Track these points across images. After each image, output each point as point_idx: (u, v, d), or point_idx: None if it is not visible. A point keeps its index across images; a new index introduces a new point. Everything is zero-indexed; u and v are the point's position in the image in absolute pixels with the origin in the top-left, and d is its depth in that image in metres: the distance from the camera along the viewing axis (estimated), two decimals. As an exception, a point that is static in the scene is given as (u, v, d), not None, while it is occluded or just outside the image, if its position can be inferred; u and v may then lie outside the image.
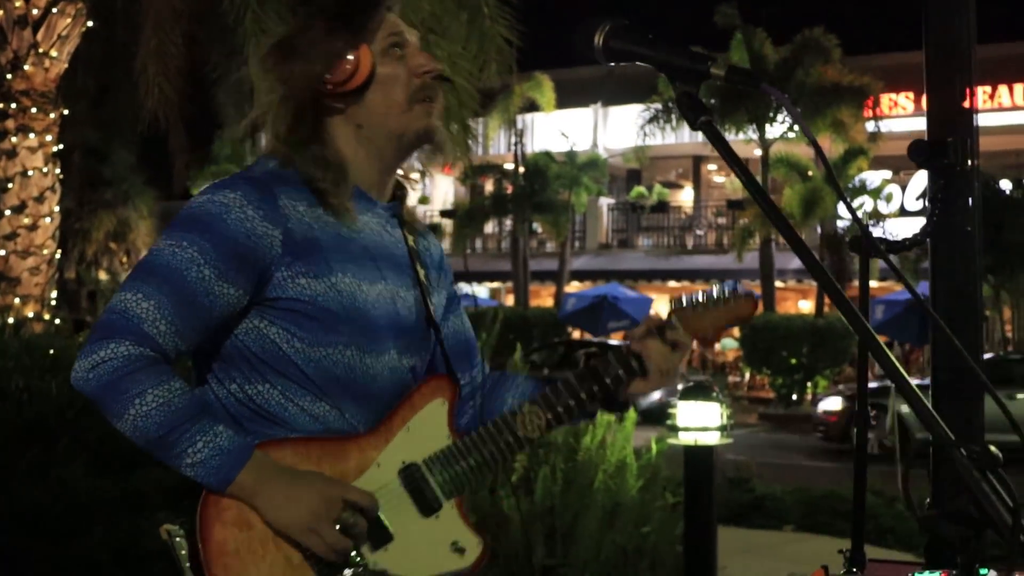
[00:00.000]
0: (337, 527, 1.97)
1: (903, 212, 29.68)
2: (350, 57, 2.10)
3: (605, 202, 37.46)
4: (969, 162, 3.44)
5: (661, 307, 35.69)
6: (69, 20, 8.96)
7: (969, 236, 3.41)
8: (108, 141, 17.33)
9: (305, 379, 2.07)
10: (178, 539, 2.01)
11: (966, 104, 3.55)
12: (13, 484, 4.34)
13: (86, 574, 4.20)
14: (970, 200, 3.44)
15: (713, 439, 5.97)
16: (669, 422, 5.85)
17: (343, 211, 2.10)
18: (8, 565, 4.06)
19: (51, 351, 5.59)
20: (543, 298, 36.92)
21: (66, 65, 9.11)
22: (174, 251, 1.99)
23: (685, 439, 5.65)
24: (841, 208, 29.24)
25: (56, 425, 4.63)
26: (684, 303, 2.21)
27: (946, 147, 3.39)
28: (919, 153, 3.49)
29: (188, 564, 1.99)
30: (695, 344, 2.21)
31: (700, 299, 2.20)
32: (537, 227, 34.40)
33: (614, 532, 6.54)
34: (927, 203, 3.45)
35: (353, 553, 2.01)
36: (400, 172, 2.27)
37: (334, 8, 2.17)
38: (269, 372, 2.07)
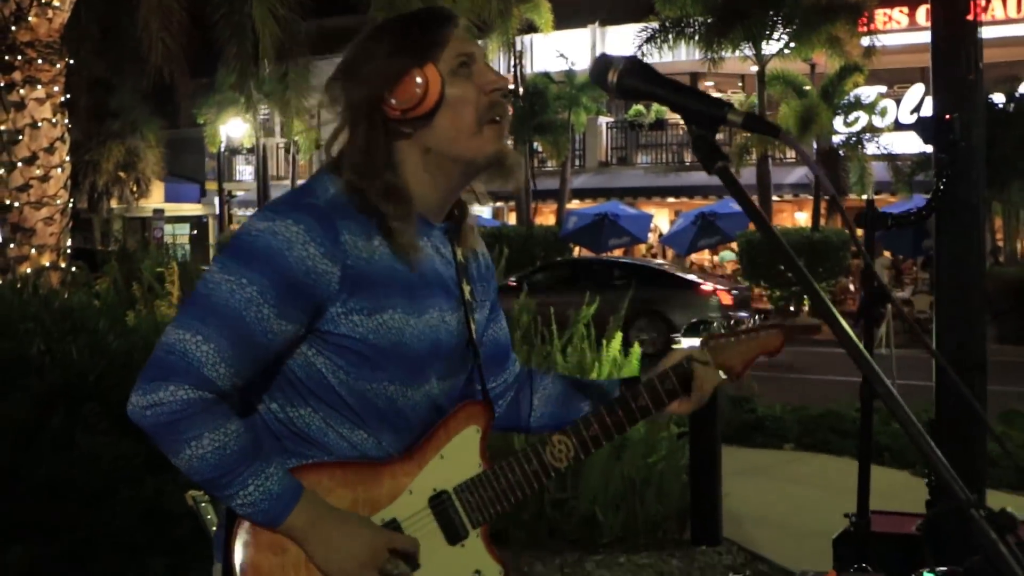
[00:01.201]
0: (379, 573, 1.98)
1: (898, 126, 29.48)
2: (419, 80, 2.01)
3: (604, 121, 37.24)
4: (973, 75, 3.49)
5: (661, 222, 35.82)
6: (71, -32, 8.87)
7: (974, 209, 3.46)
8: (115, 73, 17.21)
9: (347, 408, 2.05)
10: (203, 504, 2.04)
11: (970, 17, 3.58)
12: (41, 451, 4.35)
13: (114, 535, 4.22)
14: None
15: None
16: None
17: (411, 250, 2.04)
18: (39, 531, 4.07)
19: (71, 311, 5.58)
20: (545, 215, 36.89)
21: (69, 14, 8.98)
22: (232, 290, 1.94)
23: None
24: (837, 123, 29.21)
25: (79, 390, 4.63)
26: (715, 337, 2.21)
27: (952, 124, 3.41)
28: (926, 130, 3.51)
29: (214, 528, 2.02)
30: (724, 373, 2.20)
31: (732, 330, 2.21)
32: (538, 147, 34.31)
33: (622, 464, 6.59)
34: (933, 177, 3.49)
35: None
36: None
37: (400, 29, 2.09)
38: (312, 398, 2.05)
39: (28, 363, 4.76)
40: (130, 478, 4.36)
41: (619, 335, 7.46)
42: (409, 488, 2.07)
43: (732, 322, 2.22)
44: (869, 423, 3.29)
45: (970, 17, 3.45)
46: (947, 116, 3.35)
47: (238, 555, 1.98)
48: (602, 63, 1.80)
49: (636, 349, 7.49)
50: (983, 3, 29.99)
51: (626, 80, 1.78)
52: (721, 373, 2.18)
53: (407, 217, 2.03)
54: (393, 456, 2.08)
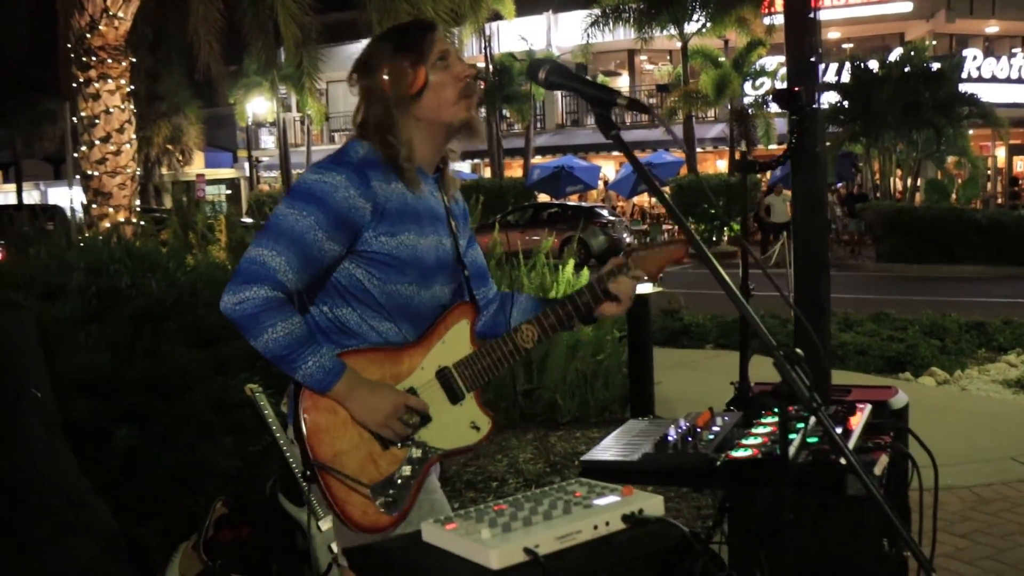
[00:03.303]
0: (400, 421, 2.21)
1: (794, 89, 29.55)
2: (410, 72, 2.25)
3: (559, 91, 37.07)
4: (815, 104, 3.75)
5: (608, 171, 35.84)
6: (130, -14, 8.91)
7: (817, 156, 3.73)
8: (164, 65, 17.21)
9: (378, 306, 2.27)
10: (258, 394, 2.10)
11: (812, 59, 3.84)
12: (134, 359, 4.43)
13: (193, 421, 4.32)
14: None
15: (647, 289, 6.28)
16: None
17: (414, 181, 2.27)
18: (137, 420, 4.20)
19: (147, 254, 5.62)
20: (513, 169, 36.81)
21: (131, 23, 9.06)
22: (297, 219, 2.15)
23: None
24: (747, 87, 29.27)
25: (159, 313, 4.67)
26: (635, 249, 2.39)
27: (799, 93, 3.69)
28: (780, 99, 3.78)
29: (266, 411, 2.10)
30: (643, 275, 2.36)
31: (645, 244, 2.39)
32: (506, 113, 34.20)
33: (576, 361, 6.77)
34: (788, 134, 3.75)
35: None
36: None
37: (397, 35, 2.32)
38: (353, 300, 2.27)
39: (120, 293, 4.83)
40: (203, 378, 4.44)
41: (572, 261, 7.62)
42: (421, 365, 2.29)
43: (648, 239, 2.41)
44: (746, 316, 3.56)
45: (811, 15, 3.69)
46: (795, 88, 3.62)
47: (305, 415, 2.19)
48: (536, 65, 2.10)
49: (585, 271, 7.70)
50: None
51: (552, 77, 2.09)
52: (637, 276, 2.33)
53: (411, 160, 2.27)
54: (409, 342, 2.30)
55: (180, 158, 35.81)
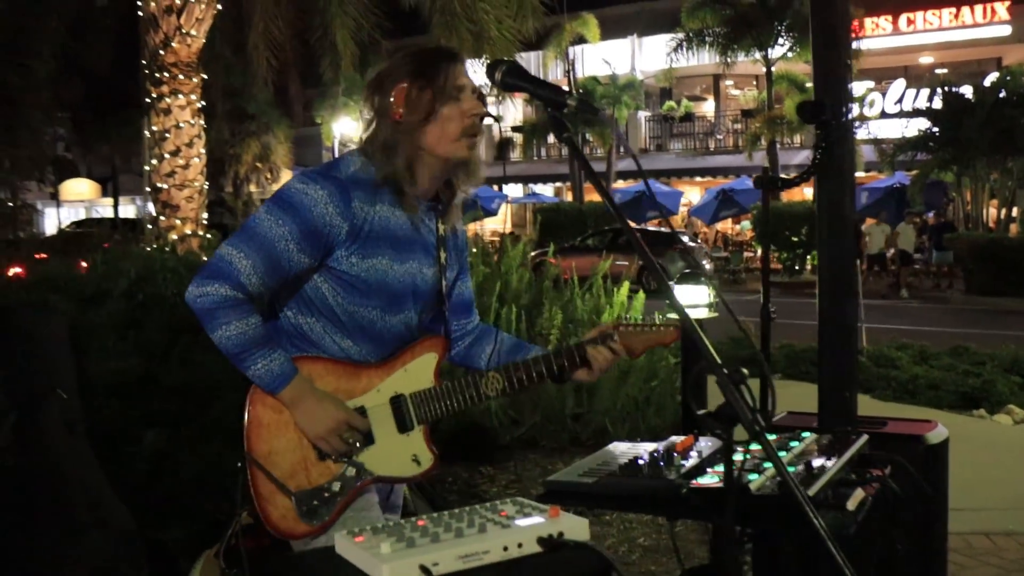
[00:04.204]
0: (339, 438, 2.23)
1: (883, 115, 28.94)
2: (417, 98, 2.22)
3: (642, 115, 36.90)
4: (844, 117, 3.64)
5: (693, 196, 35.54)
6: (204, 5, 9.11)
7: (841, 172, 3.61)
8: (248, 85, 17.66)
9: (340, 323, 2.28)
10: None
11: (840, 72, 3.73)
12: (171, 364, 4.53)
13: (221, 430, 4.31)
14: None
15: (703, 314, 6.19)
16: (668, 301, 6.01)
17: (413, 207, 2.27)
18: (168, 422, 4.32)
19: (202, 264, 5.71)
20: (595, 194, 36.67)
21: (203, 41, 9.28)
22: (271, 226, 2.18)
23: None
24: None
25: (197, 322, 4.80)
26: (625, 324, 2.36)
27: (823, 106, 3.58)
28: (804, 111, 3.67)
29: None
30: (624, 352, 2.34)
31: (637, 323, 2.36)
32: (589, 137, 34.22)
33: (628, 386, 6.67)
34: (812, 149, 3.66)
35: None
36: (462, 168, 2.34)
37: (416, 59, 2.28)
38: (316, 312, 2.28)
39: (165, 301, 4.97)
40: (234, 387, 4.44)
41: (627, 285, 7.56)
42: (378, 387, 2.29)
43: (640, 319, 2.36)
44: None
45: (840, 25, 3.59)
46: (821, 102, 3.54)
47: (250, 407, 2.26)
48: (493, 66, 2.09)
49: (640, 295, 7.64)
50: (953, 12, 29.36)
51: (507, 78, 2.08)
52: (617, 352, 2.33)
53: (412, 189, 2.27)
54: (371, 362, 2.30)
55: (268, 176, 36.58)
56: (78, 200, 41.48)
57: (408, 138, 2.25)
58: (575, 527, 1.77)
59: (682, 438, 2.44)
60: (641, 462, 2.17)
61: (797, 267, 25.93)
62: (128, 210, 38.62)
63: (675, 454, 2.27)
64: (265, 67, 9.69)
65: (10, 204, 38.97)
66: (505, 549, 1.71)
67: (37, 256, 10.36)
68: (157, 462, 4.26)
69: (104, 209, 38.77)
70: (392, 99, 2.24)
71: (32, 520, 3.54)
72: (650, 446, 2.44)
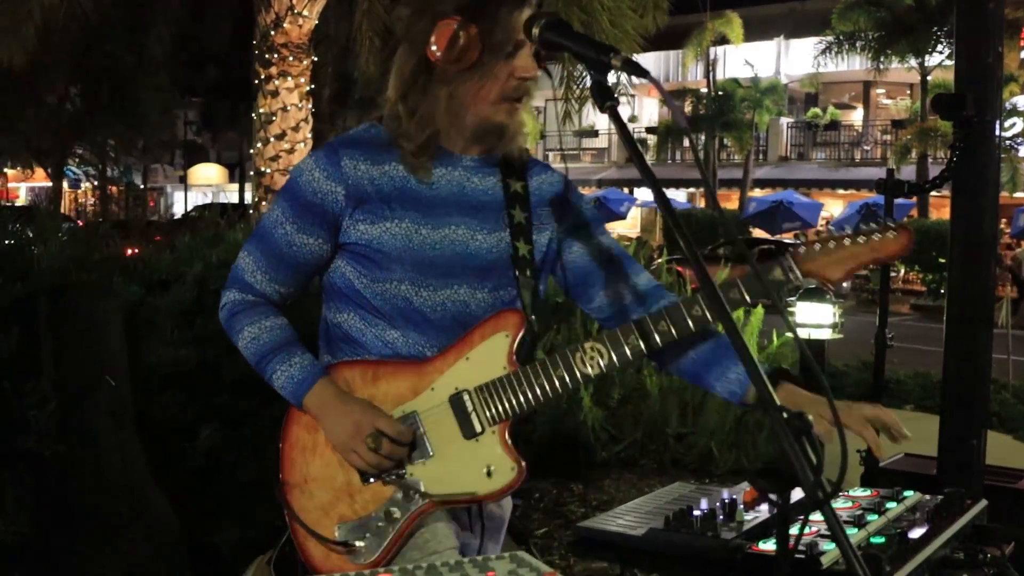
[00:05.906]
0: (366, 448, 1.89)
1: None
2: (461, 40, 1.88)
3: (785, 121, 35.95)
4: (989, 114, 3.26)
5: (835, 210, 34.43)
6: (317, -15, 9.07)
7: (982, 179, 3.23)
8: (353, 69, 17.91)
9: (375, 309, 1.98)
10: None
11: (990, 60, 3.34)
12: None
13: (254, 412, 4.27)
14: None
15: (825, 335, 5.79)
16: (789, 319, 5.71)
17: (418, 168, 1.97)
18: (229, 419, 4.25)
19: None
20: (731, 201, 35.98)
21: (316, 22, 9.21)
22: (269, 214, 2.02)
23: (801, 335, 5.45)
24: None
25: None
26: (810, 240, 1.90)
27: (964, 99, 3.20)
28: (940, 106, 3.29)
29: None
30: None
31: (828, 236, 1.90)
32: (726, 142, 33.54)
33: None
34: (949, 149, 3.28)
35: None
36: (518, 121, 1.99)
37: None
38: (350, 303, 2.01)
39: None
40: None
41: (761, 307, 7.26)
42: (432, 385, 1.93)
43: (835, 229, 1.91)
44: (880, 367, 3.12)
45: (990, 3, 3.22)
46: (962, 95, 3.17)
47: (287, 426, 2.00)
48: (531, 20, 1.77)
49: (758, 310, 7.27)
50: None
51: (546, 33, 1.75)
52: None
53: (426, 143, 1.97)
54: (427, 355, 1.97)
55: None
56: (206, 184, 42.88)
57: (438, 82, 1.94)
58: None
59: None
60: (695, 514, 1.85)
61: (943, 290, 24.77)
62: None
63: (741, 506, 1.94)
64: (367, 48, 9.61)
65: (141, 187, 40.67)
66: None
67: (156, 239, 10.57)
68: (213, 460, 4.15)
69: (231, 194, 39.94)
70: (433, 35, 1.90)
71: (69, 513, 3.47)
72: (722, 492, 2.13)
